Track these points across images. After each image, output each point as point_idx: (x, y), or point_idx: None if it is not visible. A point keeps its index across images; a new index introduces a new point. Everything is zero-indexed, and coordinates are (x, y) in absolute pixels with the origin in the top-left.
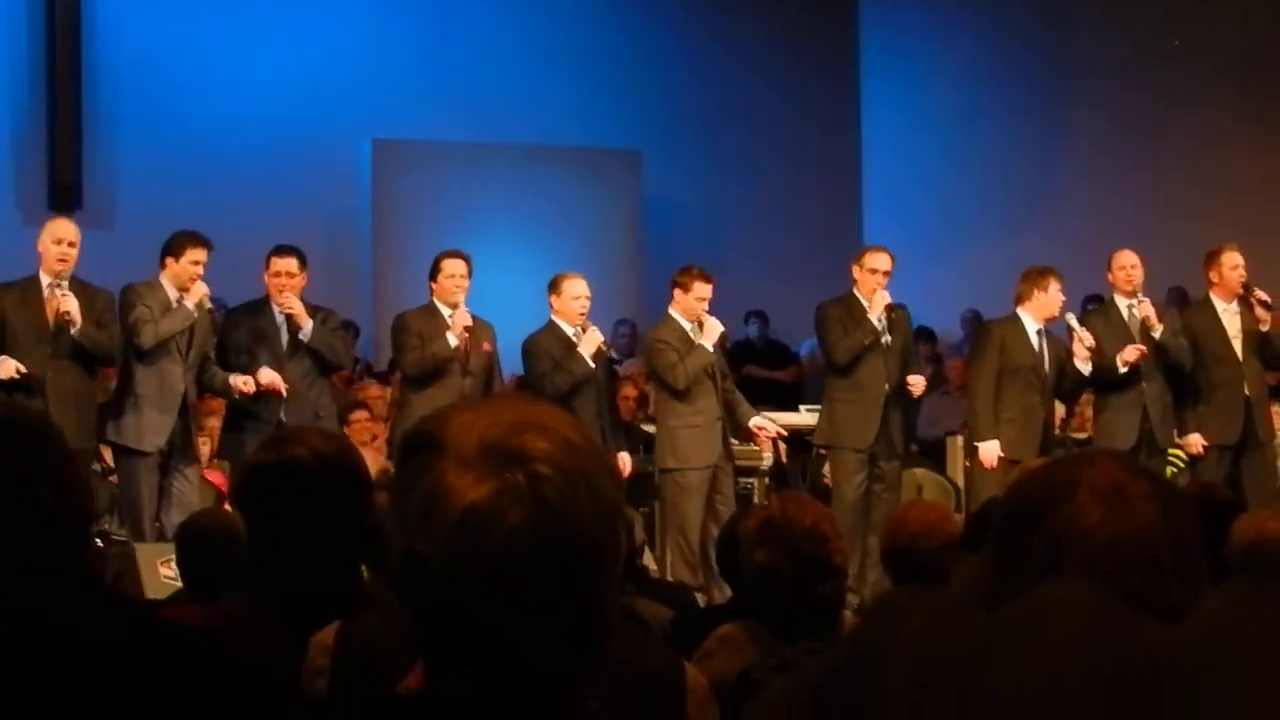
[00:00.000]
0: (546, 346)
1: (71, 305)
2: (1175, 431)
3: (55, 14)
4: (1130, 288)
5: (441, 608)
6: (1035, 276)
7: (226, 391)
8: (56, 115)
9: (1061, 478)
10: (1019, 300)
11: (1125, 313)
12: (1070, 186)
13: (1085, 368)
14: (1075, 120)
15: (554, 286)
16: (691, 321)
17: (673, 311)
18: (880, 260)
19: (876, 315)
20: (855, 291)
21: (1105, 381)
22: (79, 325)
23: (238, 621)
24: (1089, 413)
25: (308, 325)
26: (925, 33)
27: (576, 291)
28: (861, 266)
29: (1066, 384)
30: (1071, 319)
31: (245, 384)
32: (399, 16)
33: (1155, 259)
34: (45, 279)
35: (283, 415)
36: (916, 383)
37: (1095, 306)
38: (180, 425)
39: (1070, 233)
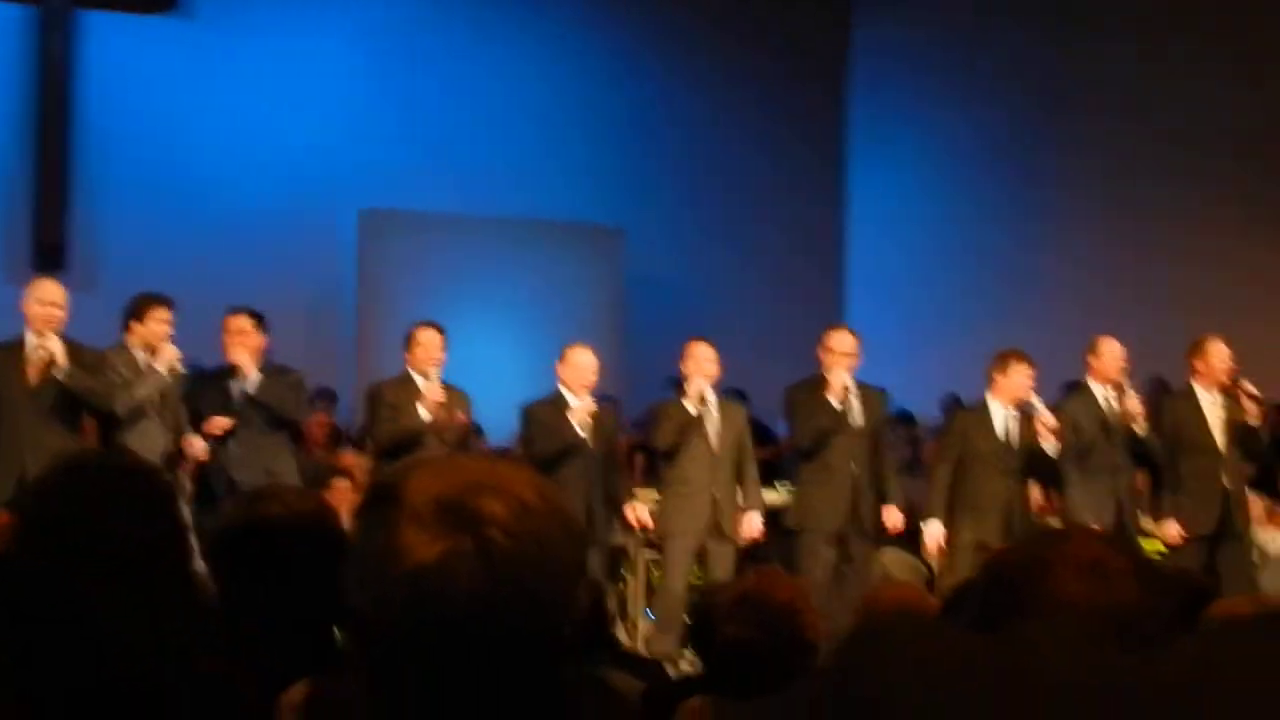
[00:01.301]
0: (541, 414)
1: (55, 346)
2: (1151, 519)
3: (45, 75)
4: (1112, 379)
5: (394, 662)
6: (998, 361)
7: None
8: (43, 175)
9: (1041, 553)
10: (988, 386)
11: (1102, 401)
12: (1054, 271)
13: (1051, 448)
14: (1060, 204)
15: (561, 357)
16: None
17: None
18: (841, 341)
19: (836, 397)
20: (823, 373)
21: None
22: (63, 366)
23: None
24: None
25: (253, 377)
26: (913, 110)
27: (582, 361)
28: (825, 348)
29: (1040, 467)
30: (1035, 401)
31: (201, 438)
32: (387, 88)
33: (1138, 345)
34: (30, 340)
35: (233, 474)
36: (892, 521)
37: (1073, 393)
38: None
39: (1053, 317)
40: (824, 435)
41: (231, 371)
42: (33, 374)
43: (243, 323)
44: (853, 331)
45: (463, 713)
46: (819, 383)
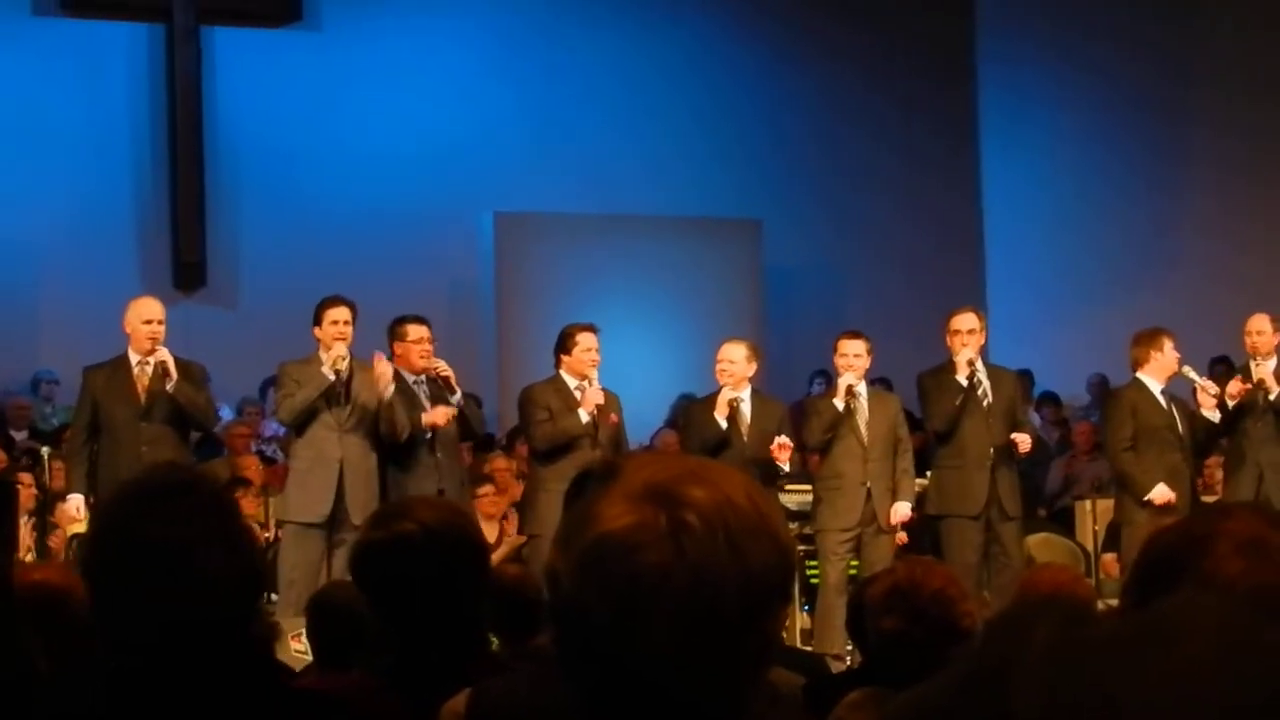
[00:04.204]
0: (694, 410)
1: (167, 356)
2: None
3: (177, 95)
4: (1260, 352)
5: (571, 630)
6: (1149, 338)
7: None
8: (179, 195)
9: (1201, 530)
10: (1137, 365)
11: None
12: (1192, 246)
13: (1214, 416)
14: (1195, 179)
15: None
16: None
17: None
18: (960, 320)
19: (963, 375)
20: (952, 356)
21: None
22: (175, 379)
23: (364, 691)
24: (1218, 474)
25: (458, 393)
26: (1043, 95)
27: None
28: (949, 330)
29: (1200, 437)
30: (1189, 371)
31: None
32: (518, 89)
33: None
34: (134, 357)
35: (443, 486)
36: (1021, 440)
37: (1237, 373)
38: (339, 493)
39: (1192, 292)
40: (954, 414)
41: (444, 382)
42: (142, 392)
43: (424, 331)
44: (975, 310)
45: (634, 701)
46: (947, 365)
